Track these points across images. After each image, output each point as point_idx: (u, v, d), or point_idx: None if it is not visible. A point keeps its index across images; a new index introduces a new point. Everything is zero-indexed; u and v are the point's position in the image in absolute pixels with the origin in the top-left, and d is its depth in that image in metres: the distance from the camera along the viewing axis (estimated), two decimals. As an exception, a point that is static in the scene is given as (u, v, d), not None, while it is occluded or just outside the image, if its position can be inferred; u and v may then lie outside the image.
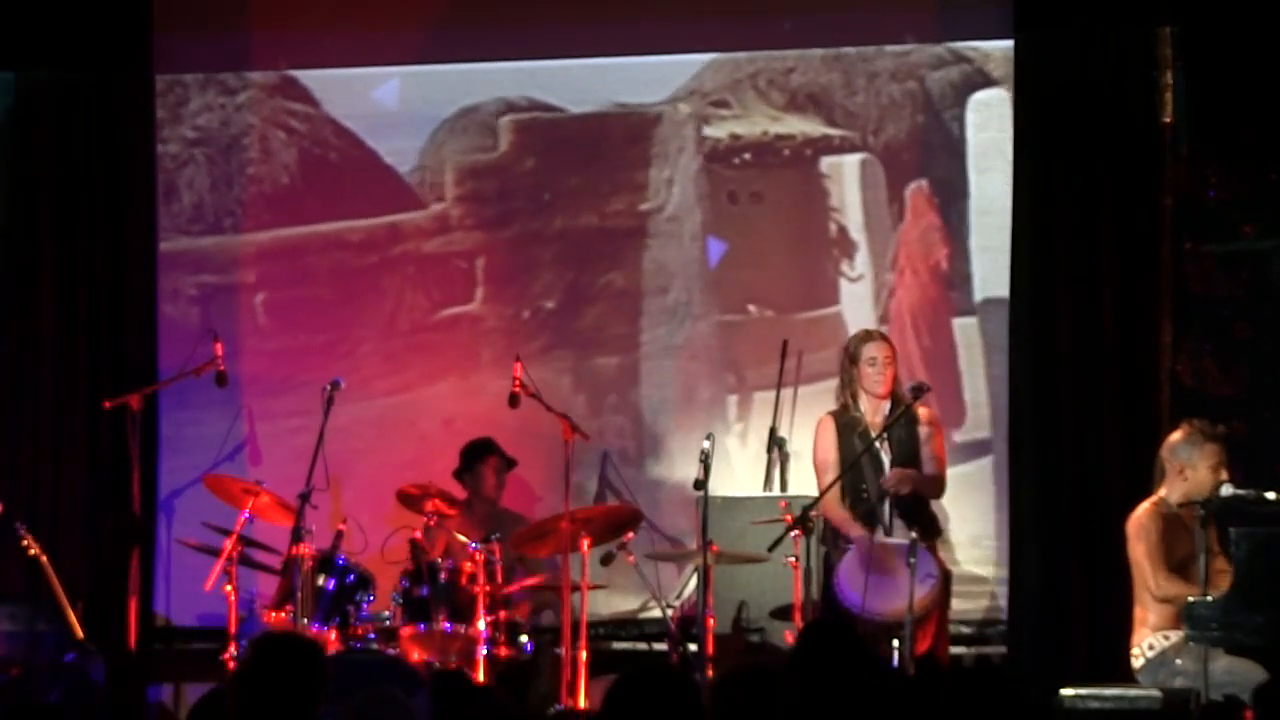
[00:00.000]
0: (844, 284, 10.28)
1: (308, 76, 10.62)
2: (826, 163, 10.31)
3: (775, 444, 9.88)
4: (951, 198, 10.15)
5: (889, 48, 10.20)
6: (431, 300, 10.53)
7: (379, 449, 10.33)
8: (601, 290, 10.43)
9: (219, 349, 9.71)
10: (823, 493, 8.56)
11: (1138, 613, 8.33)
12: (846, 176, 10.29)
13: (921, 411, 8.80)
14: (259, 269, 10.64)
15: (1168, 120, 9.63)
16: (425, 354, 10.44)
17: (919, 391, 8.53)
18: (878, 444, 8.66)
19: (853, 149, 10.28)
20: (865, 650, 5.56)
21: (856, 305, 10.23)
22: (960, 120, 10.18)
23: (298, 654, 5.37)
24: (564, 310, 10.45)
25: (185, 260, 10.63)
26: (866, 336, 8.90)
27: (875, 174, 10.24)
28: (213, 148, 10.69)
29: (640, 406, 10.34)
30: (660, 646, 9.76)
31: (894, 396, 8.77)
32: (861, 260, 10.26)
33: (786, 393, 9.96)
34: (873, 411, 8.79)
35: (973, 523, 9.92)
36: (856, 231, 10.27)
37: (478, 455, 9.83)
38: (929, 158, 10.21)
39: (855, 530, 8.64)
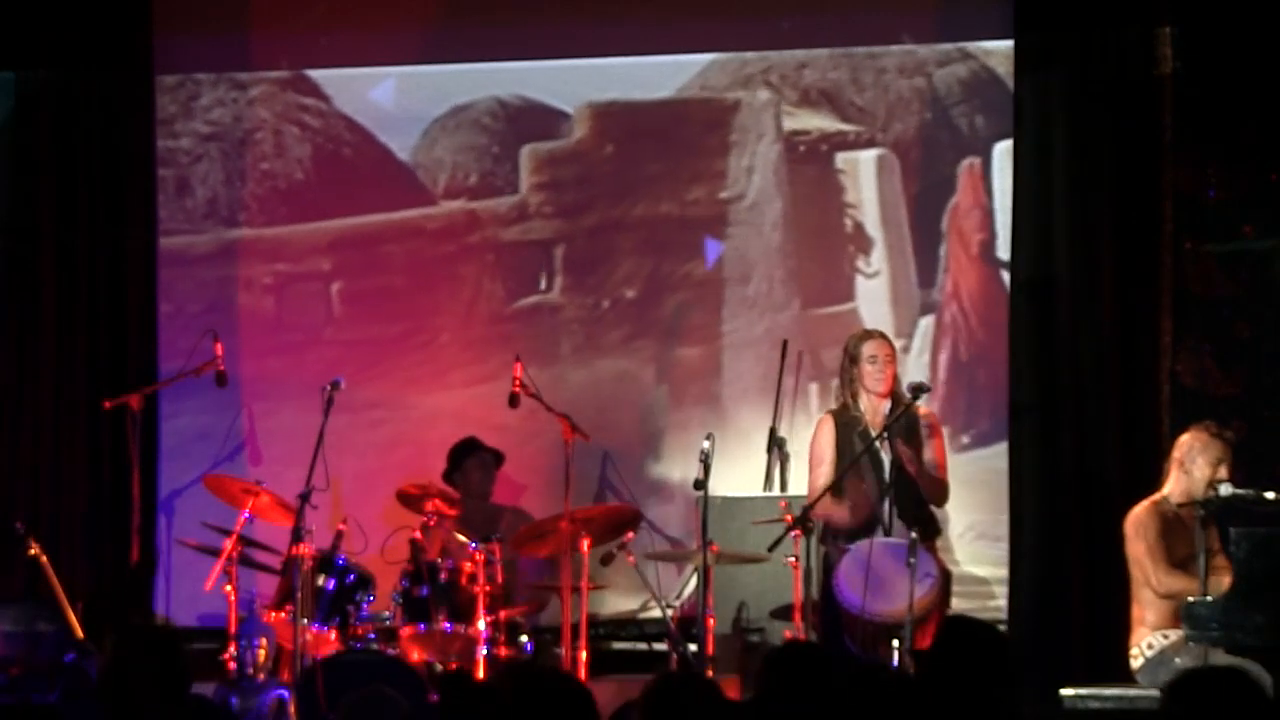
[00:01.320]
0: (860, 280, 10.27)
1: (317, 73, 10.61)
2: (842, 158, 10.30)
3: (775, 444, 9.88)
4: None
5: (895, 46, 10.18)
6: (510, 289, 10.47)
7: (456, 439, 10.17)
8: (682, 280, 10.36)
9: (219, 349, 9.70)
10: (823, 491, 8.55)
11: (1135, 612, 8.34)
12: (863, 172, 10.27)
13: (921, 411, 8.80)
14: (335, 257, 10.57)
15: (1168, 120, 9.64)
16: (505, 344, 10.28)
17: (919, 391, 8.52)
18: (877, 443, 8.65)
19: (868, 144, 10.26)
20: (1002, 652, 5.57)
21: (872, 301, 10.22)
22: (968, 117, 10.17)
23: (158, 644, 5.38)
24: (645, 300, 10.38)
25: (260, 249, 10.59)
26: (866, 335, 8.90)
27: (891, 169, 10.21)
28: (226, 143, 10.67)
29: (722, 397, 10.27)
30: (660, 646, 9.76)
31: (894, 395, 8.77)
32: (878, 256, 10.24)
33: (786, 392, 9.96)
34: (872, 411, 8.79)
35: (973, 523, 9.92)
36: (873, 227, 10.25)
37: (462, 455, 9.84)
38: (936, 154, 10.18)
39: (841, 513, 8.62)
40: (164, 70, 10.49)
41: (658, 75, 10.39)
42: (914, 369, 9.95)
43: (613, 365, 10.14)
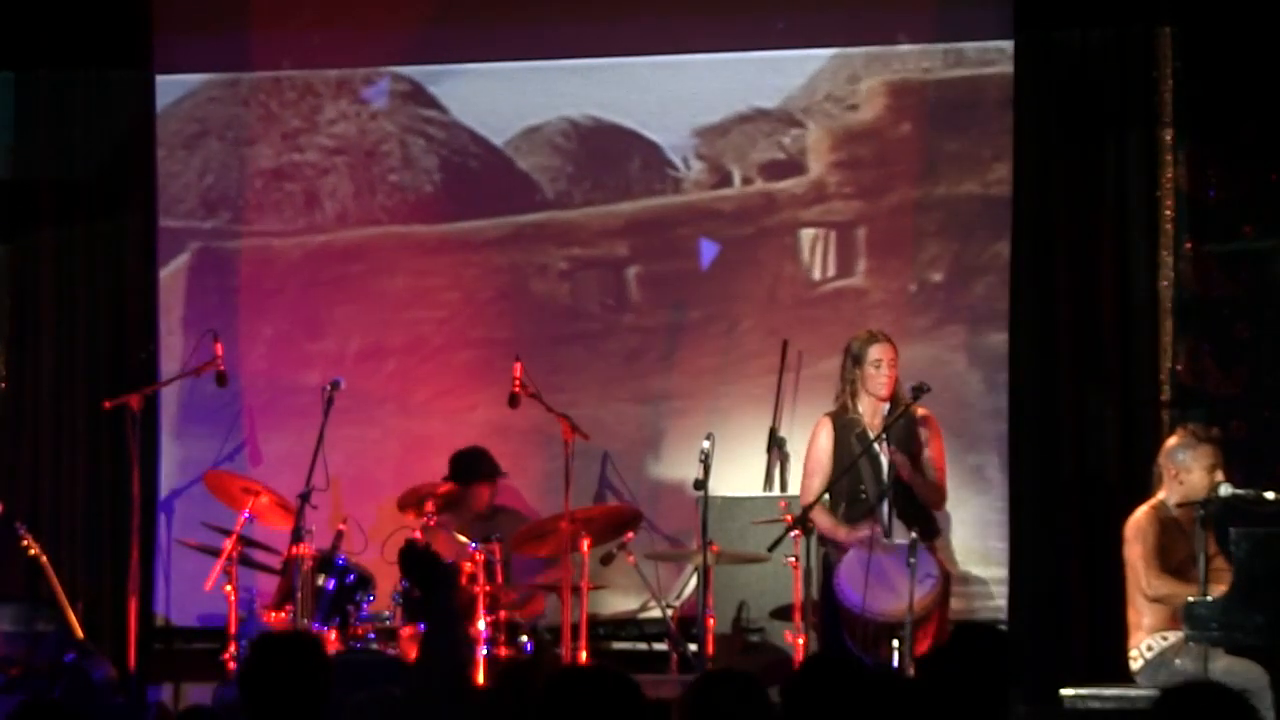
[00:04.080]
0: None
1: (416, 73, 10.51)
2: None
3: (775, 444, 9.87)
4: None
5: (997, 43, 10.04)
6: (812, 273, 10.26)
7: (754, 429, 10.01)
8: (990, 261, 10.04)
9: (219, 349, 9.70)
10: (817, 497, 8.54)
11: (1131, 616, 8.35)
12: None
13: (920, 412, 8.78)
14: (630, 241, 10.35)
15: (1168, 120, 9.64)
16: (809, 330, 10.01)
17: (919, 392, 8.49)
18: (876, 445, 8.64)
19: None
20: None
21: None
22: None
23: (301, 652, 5.36)
24: (952, 283, 10.07)
25: (552, 233, 10.40)
26: (871, 338, 8.82)
27: None
28: (353, 155, 10.57)
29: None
30: (660, 646, 9.77)
31: (893, 397, 8.76)
32: None
33: (787, 392, 9.96)
34: (871, 413, 8.77)
35: (973, 523, 9.92)
36: None
37: (473, 475, 9.72)
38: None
39: (843, 534, 8.62)
40: (164, 70, 10.48)
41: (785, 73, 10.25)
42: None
43: (923, 352, 9.79)
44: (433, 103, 10.51)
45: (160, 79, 10.51)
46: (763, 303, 10.22)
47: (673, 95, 10.30)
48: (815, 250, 10.22)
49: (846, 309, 10.13)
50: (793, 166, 10.26)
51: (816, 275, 10.24)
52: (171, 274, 10.57)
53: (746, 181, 10.29)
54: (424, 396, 10.37)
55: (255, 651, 5.37)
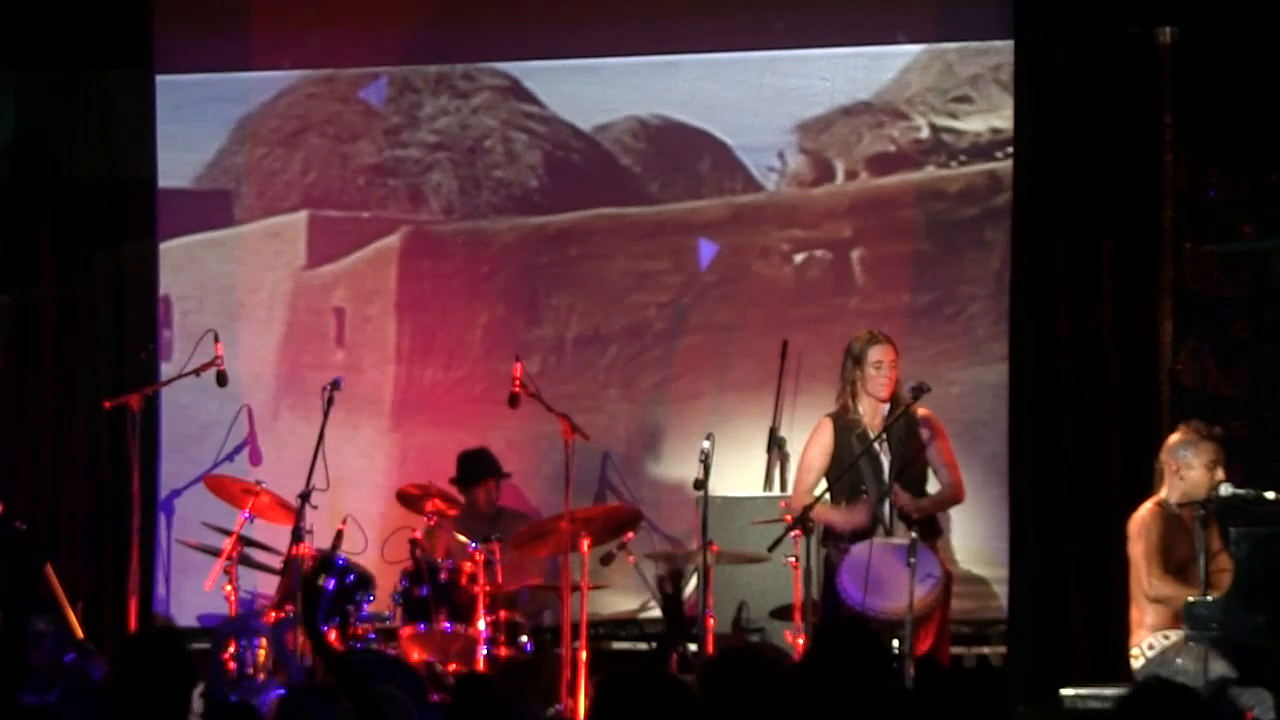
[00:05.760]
0: None
1: (514, 68, 10.47)
2: None
3: (775, 444, 9.87)
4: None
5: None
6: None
7: (997, 418, 9.85)
8: None
9: (219, 348, 9.70)
10: (817, 498, 8.53)
11: (1134, 614, 8.34)
12: None
13: (920, 412, 8.78)
14: (853, 222, 10.22)
15: (1168, 120, 9.64)
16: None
17: (919, 392, 8.49)
18: (876, 445, 8.64)
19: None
20: (879, 649, 5.59)
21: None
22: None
23: (160, 651, 5.32)
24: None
25: (772, 214, 10.29)
26: (872, 339, 8.81)
27: None
28: (455, 151, 10.56)
29: None
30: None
31: (894, 397, 8.76)
32: None
33: (787, 392, 9.96)
34: (871, 413, 8.76)
35: (973, 523, 9.92)
36: None
37: (477, 475, 9.75)
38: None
39: (839, 518, 8.60)
40: (164, 70, 10.48)
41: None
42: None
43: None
44: (531, 97, 10.48)
45: (252, 76, 10.59)
46: (991, 286, 10.04)
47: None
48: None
49: None
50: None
51: None
52: (368, 258, 10.57)
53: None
54: (650, 382, 10.30)
55: (116, 653, 5.31)
